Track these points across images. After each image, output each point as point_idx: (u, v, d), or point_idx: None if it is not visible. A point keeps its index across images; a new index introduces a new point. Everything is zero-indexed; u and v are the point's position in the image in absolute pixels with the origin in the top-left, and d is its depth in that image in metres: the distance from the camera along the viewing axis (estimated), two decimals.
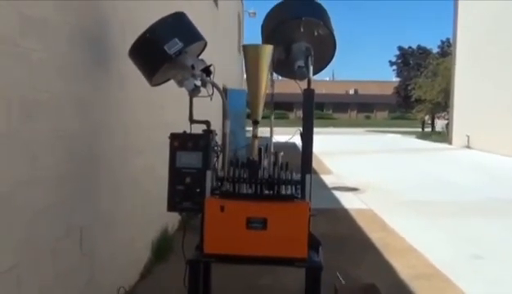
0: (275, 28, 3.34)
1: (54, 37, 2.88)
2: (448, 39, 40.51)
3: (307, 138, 3.00)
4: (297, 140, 3.23)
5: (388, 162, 17.17)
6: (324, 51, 3.44)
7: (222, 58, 12.62)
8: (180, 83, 3.16)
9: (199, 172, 3.02)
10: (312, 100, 3.07)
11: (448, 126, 28.13)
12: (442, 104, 32.46)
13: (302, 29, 3.23)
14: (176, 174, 3.10)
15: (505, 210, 8.87)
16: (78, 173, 3.27)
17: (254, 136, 3.19)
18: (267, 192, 2.84)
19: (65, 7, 3.03)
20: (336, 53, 3.46)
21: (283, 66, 3.40)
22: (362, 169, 14.80)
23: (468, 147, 22.98)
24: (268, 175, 2.87)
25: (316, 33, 3.27)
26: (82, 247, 3.33)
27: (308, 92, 3.06)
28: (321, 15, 3.38)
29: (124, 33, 3.89)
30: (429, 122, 39.50)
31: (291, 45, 3.28)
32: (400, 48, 55.43)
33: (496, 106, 20.57)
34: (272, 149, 3.15)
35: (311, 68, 3.15)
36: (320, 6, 3.44)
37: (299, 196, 2.85)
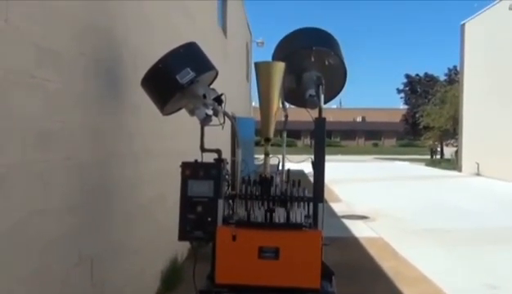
0: (286, 58, 3.37)
1: (69, 69, 2.93)
2: (455, 67, 40.67)
3: (318, 167, 2.99)
4: (306, 168, 3.22)
5: (397, 189, 17.04)
6: (335, 80, 3.46)
7: (231, 87, 12.72)
8: (191, 112, 3.18)
9: (211, 201, 3.01)
10: (324, 129, 3.07)
11: (457, 153, 27.96)
12: (451, 132, 32.36)
13: (312, 59, 3.26)
14: (187, 203, 3.08)
15: None
16: (89, 202, 3.27)
17: (266, 154, 3.17)
18: (279, 221, 2.82)
19: (80, 39, 3.09)
20: (347, 82, 3.48)
21: (294, 95, 3.41)
22: (372, 197, 14.69)
23: (478, 174, 22.80)
24: (280, 191, 2.86)
25: (326, 63, 3.30)
26: (92, 277, 3.31)
27: (320, 121, 3.07)
28: (332, 44, 3.41)
29: (136, 64, 3.94)
30: (438, 149, 39.30)
31: (302, 74, 3.31)
32: (407, 76, 55.59)
33: (505, 133, 20.47)
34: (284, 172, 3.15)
35: (322, 96, 3.17)
36: (330, 36, 3.47)
37: (311, 222, 2.83)
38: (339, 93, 3.58)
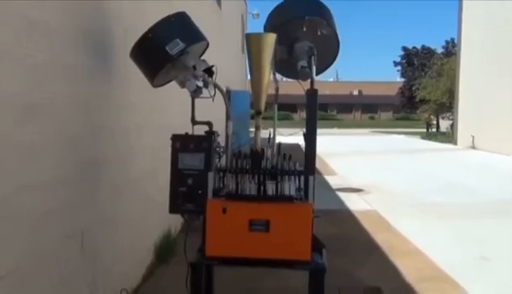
0: (277, 28, 3.29)
1: (57, 40, 2.86)
2: (453, 39, 40.36)
3: (310, 138, 2.96)
4: (300, 141, 3.18)
5: (392, 162, 17.09)
6: (327, 51, 3.40)
7: (226, 59, 12.59)
8: (182, 84, 3.12)
9: (202, 174, 2.99)
10: (316, 100, 3.02)
11: (453, 126, 27.99)
12: (447, 105, 32.32)
13: (304, 29, 3.19)
14: (178, 176, 3.06)
15: None
16: (79, 176, 3.24)
17: (257, 128, 3.13)
18: (270, 193, 2.80)
19: (69, 10, 3.01)
20: (340, 52, 3.41)
21: (286, 66, 3.35)
22: (367, 170, 14.73)
23: (473, 147, 22.87)
24: (271, 165, 2.83)
25: (319, 33, 3.23)
26: (84, 251, 3.30)
27: (311, 92, 3.01)
28: (324, 14, 3.34)
29: (126, 35, 3.86)
30: (434, 122, 39.31)
31: (294, 45, 3.24)
32: (404, 48, 55.20)
33: (500, 106, 20.46)
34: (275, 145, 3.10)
35: (314, 68, 3.10)
36: (323, 6, 3.39)
37: (302, 195, 2.81)
38: (331, 64, 3.52)
